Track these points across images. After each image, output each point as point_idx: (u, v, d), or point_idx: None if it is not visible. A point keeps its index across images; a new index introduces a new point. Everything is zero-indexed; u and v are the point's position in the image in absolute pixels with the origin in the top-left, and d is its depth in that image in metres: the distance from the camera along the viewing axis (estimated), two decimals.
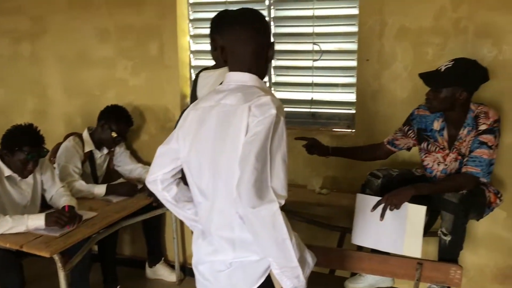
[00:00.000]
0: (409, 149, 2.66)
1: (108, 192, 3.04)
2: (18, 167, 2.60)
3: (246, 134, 1.40)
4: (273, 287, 1.52)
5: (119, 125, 3.21)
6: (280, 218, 1.35)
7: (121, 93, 3.53)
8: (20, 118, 3.83)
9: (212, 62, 2.56)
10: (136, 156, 3.54)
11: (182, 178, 1.73)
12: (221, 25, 1.50)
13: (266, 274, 1.50)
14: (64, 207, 2.59)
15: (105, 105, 3.29)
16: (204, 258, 1.63)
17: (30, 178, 2.76)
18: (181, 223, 3.53)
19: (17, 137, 2.57)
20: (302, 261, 1.45)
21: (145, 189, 3.14)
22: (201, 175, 1.57)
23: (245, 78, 1.55)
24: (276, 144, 1.39)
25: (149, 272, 3.55)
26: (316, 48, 3.11)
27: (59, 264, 2.38)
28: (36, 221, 2.48)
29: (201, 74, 2.56)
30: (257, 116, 1.39)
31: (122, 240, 3.72)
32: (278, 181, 1.37)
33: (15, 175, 2.66)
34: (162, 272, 3.52)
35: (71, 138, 3.20)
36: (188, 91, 3.48)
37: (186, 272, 3.58)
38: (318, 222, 3.01)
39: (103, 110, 3.27)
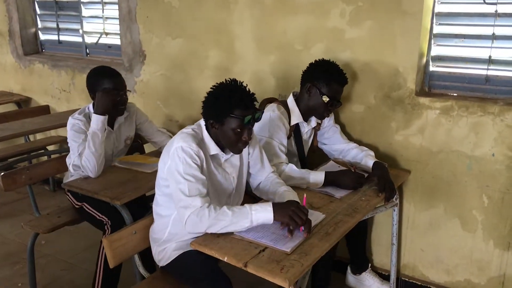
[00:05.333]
0: None
1: (328, 181, 2.26)
2: (230, 139, 1.90)
3: None
4: None
5: (331, 86, 2.38)
6: None
7: (332, 48, 2.68)
8: (199, 75, 3.22)
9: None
10: (344, 132, 2.71)
11: None
12: None
13: None
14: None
15: (308, 62, 2.48)
16: None
17: (236, 158, 2.07)
18: (399, 226, 2.69)
19: (224, 100, 1.86)
20: None
21: (372, 180, 2.33)
22: None
23: None
24: None
25: (352, 279, 2.79)
26: None
27: None
28: (263, 214, 1.78)
29: None
30: None
31: None
32: None
33: (221, 154, 1.99)
34: (370, 283, 2.74)
35: (274, 106, 2.45)
36: (426, 47, 2.53)
37: (401, 285, 2.76)
38: None
39: (308, 68, 2.48)
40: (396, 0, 2.43)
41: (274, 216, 1.78)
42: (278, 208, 1.79)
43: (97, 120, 2.40)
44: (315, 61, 2.46)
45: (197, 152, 1.88)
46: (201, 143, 1.93)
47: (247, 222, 1.78)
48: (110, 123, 2.57)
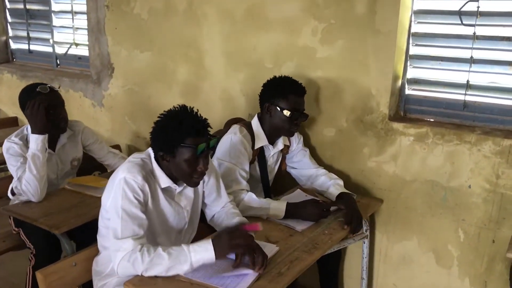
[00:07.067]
0: None
1: (289, 213, 2.08)
2: (184, 172, 1.72)
3: None
4: None
5: (288, 99, 2.23)
6: None
7: (303, 66, 2.53)
8: (168, 90, 3.06)
9: None
10: (314, 157, 2.54)
11: None
12: None
13: None
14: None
15: None
16: None
17: (190, 189, 1.89)
18: (371, 259, 2.52)
19: (173, 128, 1.69)
20: None
21: (340, 209, 2.16)
22: None
23: None
24: None
25: None
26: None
27: None
28: (203, 254, 1.61)
29: None
30: None
31: None
32: None
33: (174, 186, 1.81)
34: None
35: (237, 128, 2.29)
36: (401, 69, 2.38)
37: None
38: None
39: (262, 88, 2.34)
40: (369, 18, 2.29)
41: (215, 255, 1.60)
42: (217, 243, 1.62)
43: (36, 140, 2.21)
44: (267, 80, 2.33)
45: (141, 186, 1.70)
46: (149, 175, 1.76)
47: (186, 266, 1.60)
48: (51, 145, 2.39)
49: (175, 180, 1.81)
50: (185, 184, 1.84)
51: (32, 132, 2.23)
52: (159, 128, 1.73)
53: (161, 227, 1.83)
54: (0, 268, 3.03)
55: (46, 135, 2.25)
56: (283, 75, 2.33)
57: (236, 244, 1.63)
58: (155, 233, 1.82)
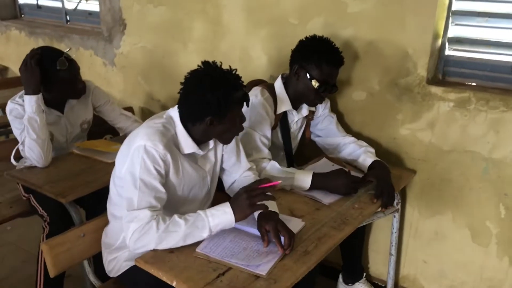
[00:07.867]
0: None
1: (315, 184, 1.90)
2: (233, 130, 1.63)
3: None
4: None
5: (321, 69, 1.98)
6: None
7: (332, 23, 2.29)
8: (183, 49, 2.85)
9: None
10: (342, 123, 2.34)
11: None
12: None
13: None
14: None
15: None
16: None
17: (212, 153, 1.73)
18: (400, 234, 2.34)
19: (218, 89, 1.52)
20: None
21: (370, 181, 1.96)
22: None
23: None
24: None
25: None
26: None
27: None
28: (222, 217, 1.50)
29: None
30: None
31: None
32: None
33: (198, 152, 1.64)
34: None
35: (258, 90, 2.08)
36: (442, 26, 2.13)
37: None
38: None
39: (297, 46, 2.08)
40: None
41: (235, 217, 1.49)
42: (235, 204, 1.51)
43: (30, 102, 2.02)
44: (305, 38, 2.07)
45: (163, 156, 1.54)
46: (170, 142, 1.59)
47: (205, 232, 1.48)
48: (59, 107, 2.22)
49: (198, 143, 1.66)
50: (209, 147, 1.71)
51: (26, 93, 2.04)
52: (203, 94, 1.52)
53: (183, 196, 1.69)
54: (9, 234, 2.95)
55: (40, 95, 2.06)
56: (324, 37, 2.05)
57: (255, 202, 1.50)
58: (176, 205, 1.67)
